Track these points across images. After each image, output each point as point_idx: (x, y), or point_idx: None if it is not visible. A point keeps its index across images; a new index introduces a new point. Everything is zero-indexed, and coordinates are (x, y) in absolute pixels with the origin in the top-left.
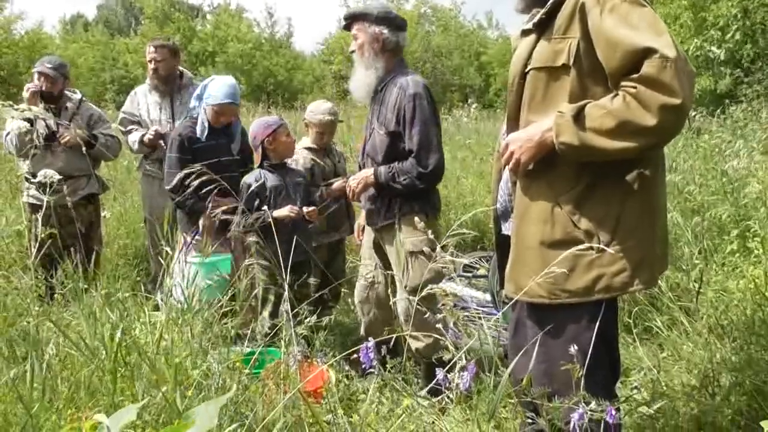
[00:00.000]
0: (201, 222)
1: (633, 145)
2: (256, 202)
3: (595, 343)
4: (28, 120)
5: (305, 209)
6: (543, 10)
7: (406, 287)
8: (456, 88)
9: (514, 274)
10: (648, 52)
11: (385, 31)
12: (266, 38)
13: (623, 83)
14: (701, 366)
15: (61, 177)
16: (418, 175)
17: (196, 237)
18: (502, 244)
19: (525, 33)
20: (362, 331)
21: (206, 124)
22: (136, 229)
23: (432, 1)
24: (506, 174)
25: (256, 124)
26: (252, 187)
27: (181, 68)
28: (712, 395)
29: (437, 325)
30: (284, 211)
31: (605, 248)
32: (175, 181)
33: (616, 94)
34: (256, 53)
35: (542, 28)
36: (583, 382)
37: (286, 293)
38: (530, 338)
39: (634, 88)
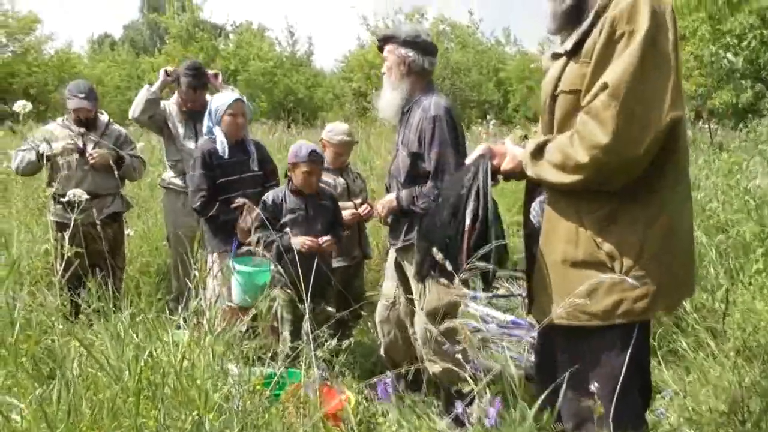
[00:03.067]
0: (240, 222)
1: (575, 179)
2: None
3: (627, 366)
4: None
5: (322, 239)
6: (575, 36)
7: (423, 309)
8: (475, 104)
9: (537, 292)
10: (603, 87)
11: (411, 53)
12: (287, 56)
13: (580, 113)
14: (730, 390)
15: (88, 197)
16: (436, 197)
17: (232, 249)
18: (531, 261)
19: (556, 56)
20: (381, 351)
21: (225, 142)
22: (159, 247)
23: (450, 18)
24: (540, 196)
25: (293, 145)
26: (267, 205)
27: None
28: (742, 422)
29: (456, 355)
30: (297, 243)
31: (626, 277)
32: (199, 200)
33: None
34: (277, 71)
35: (572, 51)
36: (612, 408)
37: (306, 314)
38: (558, 361)
39: (581, 121)
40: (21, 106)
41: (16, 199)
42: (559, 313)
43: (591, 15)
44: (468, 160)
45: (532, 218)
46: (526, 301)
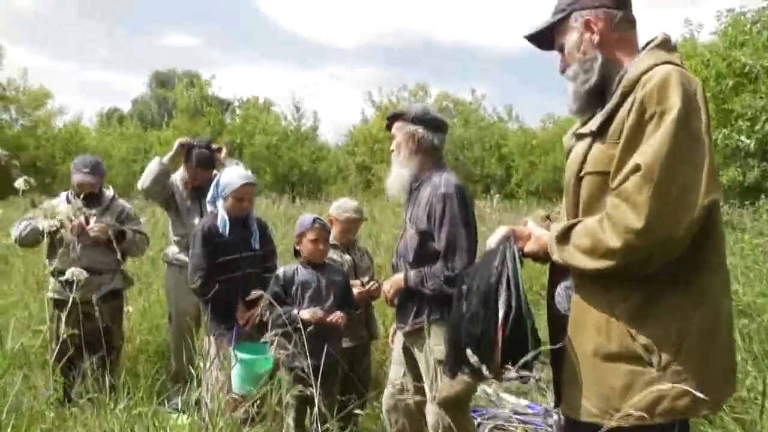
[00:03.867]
0: (238, 316)
1: (606, 265)
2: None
3: None
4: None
5: (332, 315)
6: (600, 116)
7: (435, 399)
8: (478, 178)
9: (566, 386)
10: (635, 169)
11: (421, 130)
12: (292, 130)
13: (610, 195)
14: None
15: (87, 275)
16: (446, 279)
17: (232, 334)
18: (559, 354)
19: (580, 136)
20: None
21: (226, 219)
22: (159, 325)
23: (453, 95)
24: (565, 281)
25: (299, 218)
26: (278, 279)
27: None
28: None
29: None
30: (305, 314)
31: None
32: (198, 279)
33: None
34: (282, 145)
35: (598, 131)
36: None
37: (317, 400)
38: None
39: (612, 205)
40: (22, 183)
41: (15, 273)
42: (590, 410)
43: (617, 94)
44: (490, 243)
45: (557, 304)
46: (545, 386)
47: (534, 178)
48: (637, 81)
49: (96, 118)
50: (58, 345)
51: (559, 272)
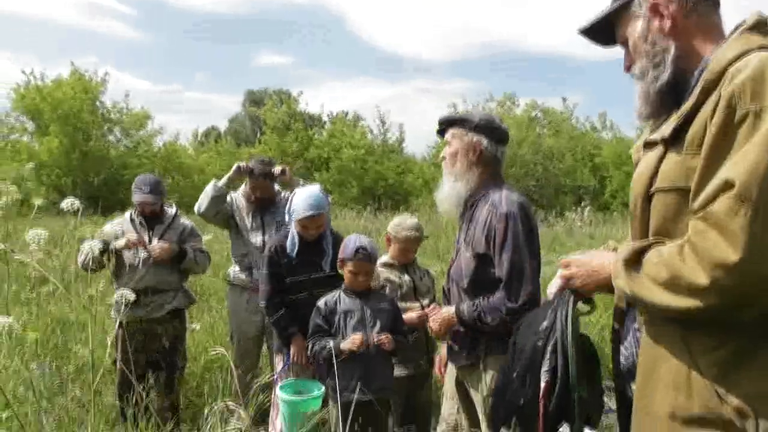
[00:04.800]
0: (291, 351)
1: (689, 305)
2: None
3: None
4: (104, 242)
5: (375, 336)
6: (675, 119)
7: None
8: (569, 189)
9: None
10: (726, 187)
11: (484, 141)
12: (378, 144)
13: (692, 218)
14: None
15: (137, 294)
16: (508, 311)
17: (285, 368)
18: (627, 407)
19: (648, 145)
20: None
21: (296, 239)
22: (224, 343)
23: (543, 104)
24: (634, 322)
25: (346, 238)
26: (320, 310)
27: (277, 187)
28: None
29: None
30: (347, 344)
31: None
32: (264, 300)
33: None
34: (369, 158)
35: (672, 139)
36: None
37: None
38: None
39: (695, 230)
40: (68, 204)
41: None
42: None
43: (696, 92)
44: (550, 291)
45: (623, 350)
46: None
47: (630, 188)
48: (722, 73)
49: (191, 137)
50: (119, 364)
51: (626, 311)
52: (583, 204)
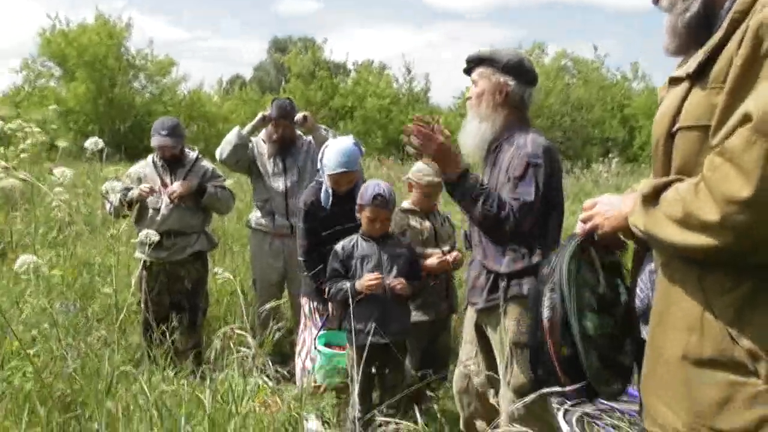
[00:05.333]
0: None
1: (703, 243)
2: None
3: None
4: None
5: (389, 279)
6: (701, 53)
7: (509, 384)
8: (597, 141)
9: (646, 393)
10: (744, 120)
11: (512, 82)
12: (404, 93)
13: (710, 155)
14: None
15: (160, 236)
16: (500, 205)
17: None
18: (642, 352)
19: (674, 81)
20: (461, 425)
21: (330, 192)
22: (246, 288)
23: (574, 53)
24: (651, 263)
25: (364, 184)
26: (337, 254)
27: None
28: None
29: None
30: (360, 284)
31: None
32: (302, 255)
33: None
34: (393, 108)
35: (697, 74)
36: None
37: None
38: None
39: (710, 165)
40: (92, 143)
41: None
42: (677, 426)
43: (725, 24)
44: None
45: (639, 292)
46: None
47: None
48: (752, 5)
49: (216, 85)
50: (145, 305)
51: (645, 253)
52: (610, 155)
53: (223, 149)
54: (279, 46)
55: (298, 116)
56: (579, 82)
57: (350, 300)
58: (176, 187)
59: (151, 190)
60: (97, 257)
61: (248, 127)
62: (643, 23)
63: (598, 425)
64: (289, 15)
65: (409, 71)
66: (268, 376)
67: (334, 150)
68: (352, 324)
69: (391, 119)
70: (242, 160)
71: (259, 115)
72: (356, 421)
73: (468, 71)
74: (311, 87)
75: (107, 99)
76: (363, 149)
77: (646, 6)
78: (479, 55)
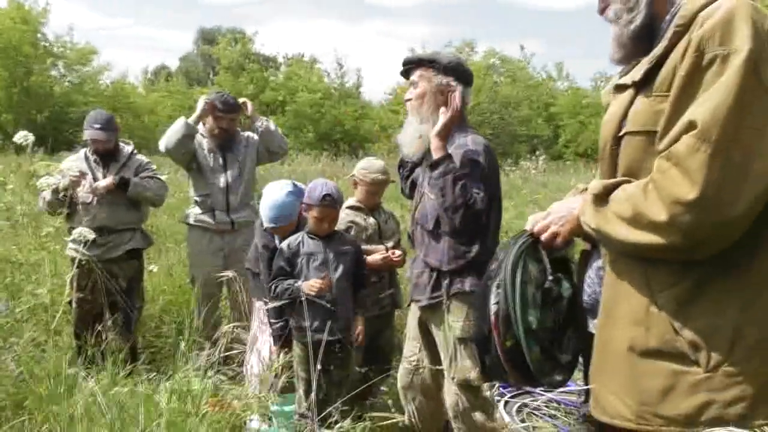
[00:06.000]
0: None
1: (651, 241)
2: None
3: None
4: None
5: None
6: (646, 62)
7: (453, 379)
8: (524, 139)
9: (595, 384)
10: (689, 127)
11: (453, 83)
12: (335, 88)
13: (658, 159)
14: None
15: (97, 234)
16: (457, 177)
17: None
18: (589, 344)
19: (619, 88)
20: (405, 420)
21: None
22: (183, 285)
23: (501, 52)
24: (598, 260)
25: (311, 183)
26: (283, 251)
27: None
28: None
29: None
30: (305, 287)
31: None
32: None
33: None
34: (325, 103)
35: (642, 82)
36: None
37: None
38: None
39: (658, 169)
40: (22, 137)
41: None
42: (624, 415)
43: (668, 35)
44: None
45: (586, 287)
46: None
47: (583, 139)
48: (693, 18)
49: (141, 75)
50: (77, 304)
51: (591, 251)
52: (537, 153)
53: (169, 140)
54: (207, 37)
55: (240, 101)
56: (507, 80)
57: (297, 299)
58: (100, 186)
59: (82, 175)
60: (19, 255)
61: (194, 117)
62: (568, 24)
63: (536, 415)
64: (217, 3)
65: (340, 66)
66: (224, 375)
67: (266, 203)
68: (299, 321)
69: (323, 114)
70: (188, 152)
71: (201, 103)
72: (303, 417)
73: (406, 73)
74: (241, 80)
75: (23, 88)
76: (304, 187)
77: (570, 8)
78: (419, 56)
